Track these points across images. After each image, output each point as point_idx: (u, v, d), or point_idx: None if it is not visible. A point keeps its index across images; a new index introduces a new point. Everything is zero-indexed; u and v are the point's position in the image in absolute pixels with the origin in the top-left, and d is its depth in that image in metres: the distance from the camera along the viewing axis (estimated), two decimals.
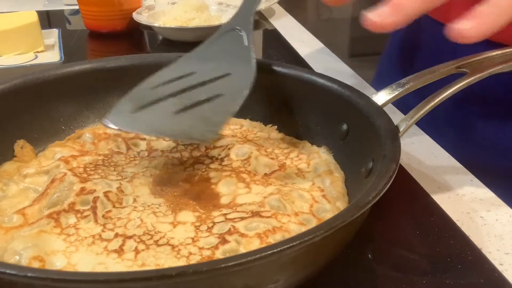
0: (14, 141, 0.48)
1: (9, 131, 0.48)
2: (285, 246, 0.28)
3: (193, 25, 0.88)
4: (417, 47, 0.72)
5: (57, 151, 0.48)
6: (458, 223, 0.45)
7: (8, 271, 0.26)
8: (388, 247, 0.42)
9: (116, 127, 0.43)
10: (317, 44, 0.94)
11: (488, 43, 0.48)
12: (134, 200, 0.41)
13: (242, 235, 0.36)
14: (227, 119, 0.46)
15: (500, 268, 0.40)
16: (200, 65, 0.48)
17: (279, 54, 0.87)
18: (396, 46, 0.80)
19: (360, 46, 2.62)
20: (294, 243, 0.28)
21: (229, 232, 0.37)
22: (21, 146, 0.48)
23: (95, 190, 0.41)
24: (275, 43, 0.93)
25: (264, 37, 0.99)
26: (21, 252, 0.35)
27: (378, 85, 0.73)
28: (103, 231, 0.37)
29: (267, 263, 0.29)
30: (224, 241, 0.36)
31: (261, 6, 1.02)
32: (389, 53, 0.82)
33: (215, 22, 0.89)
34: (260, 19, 1.05)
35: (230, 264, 0.27)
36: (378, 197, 0.33)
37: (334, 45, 1.07)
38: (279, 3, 1.12)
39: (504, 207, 0.48)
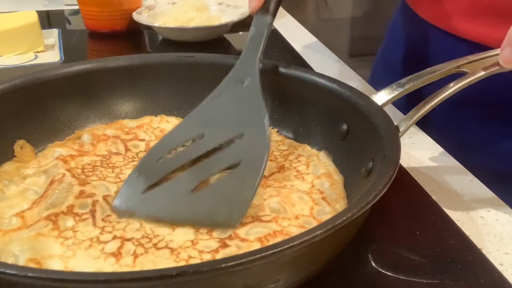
0: (14, 141, 0.48)
1: (9, 131, 0.48)
2: (285, 246, 0.28)
3: (193, 25, 0.88)
4: (412, 49, 0.72)
5: (56, 151, 0.48)
6: (458, 223, 0.45)
7: (8, 271, 0.26)
8: (388, 247, 0.42)
9: (127, 210, 0.39)
10: (317, 44, 0.94)
11: (484, 48, 0.48)
12: None
13: (243, 240, 0.36)
14: (252, 194, 0.38)
15: (500, 268, 0.40)
16: (208, 126, 0.43)
17: (279, 54, 0.87)
18: (390, 48, 0.80)
19: (360, 46, 2.62)
20: (294, 243, 0.28)
21: (229, 237, 0.36)
22: (21, 146, 0.48)
23: (94, 194, 0.41)
24: (275, 43, 0.93)
25: None
26: (17, 254, 0.35)
27: (373, 86, 0.73)
28: (101, 233, 0.37)
29: (268, 263, 0.29)
30: (224, 245, 0.36)
31: None
32: (384, 55, 0.82)
33: (215, 22, 0.89)
34: None
35: (230, 264, 0.27)
36: (378, 197, 0.33)
37: (334, 45, 1.07)
38: None
39: (504, 207, 0.48)
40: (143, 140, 0.50)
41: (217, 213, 0.38)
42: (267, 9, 0.49)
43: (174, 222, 0.38)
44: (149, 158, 0.42)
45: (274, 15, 0.50)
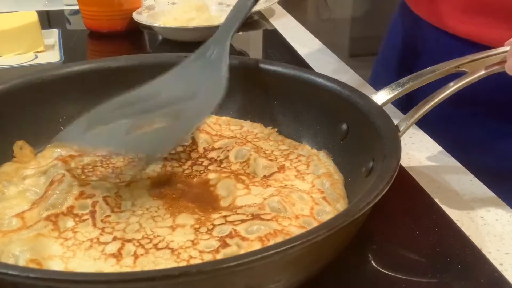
0: (13, 141, 0.48)
1: (8, 132, 0.48)
2: (287, 246, 0.28)
3: (193, 25, 0.88)
4: (412, 48, 0.72)
5: (56, 151, 0.48)
6: (458, 223, 0.45)
7: (10, 272, 0.26)
8: (388, 247, 0.42)
9: (66, 143, 0.45)
10: (317, 44, 0.94)
11: (482, 47, 0.48)
12: (133, 204, 0.41)
13: (243, 238, 0.36)
14: (173, 145, 0.46)
15: (500, 268, 0.40)
16: (169, 87, 0.47)
17: (279, 54, 0.87)
18: (390, 47, 0.80)
19: (360, 46, 2.62)
20: (296, 243, 0.28)
21: (230, 235, 0.36)
22: (20, 147, 0.48)
23: (94, 195, 0.41)
24: (275, 43, 0.93)
25: (264, 37, 0.99)
26: (17, 255, 0.35)
27: (373, 86, 0.74)
28: (101, 234, 0.37)
29: (269, 263, 0.29)
30: (225, 244, 0.35)
31: (261, 6, 1.02)
32: (384, 54, 0.82)
33: (215, 22, 0.89)
34: (260, 19, 1.05)
35: (232, 264, 0.27)
36: (378, 197, 0.33)
37: (334, 45, 1.07)
38: (279, 3, 1.12)
39: (504, 207, 0.48)
40: None
41: (145, 146, 0.43)
42: None
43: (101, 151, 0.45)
44: (100, 108, 0.45)
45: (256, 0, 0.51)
